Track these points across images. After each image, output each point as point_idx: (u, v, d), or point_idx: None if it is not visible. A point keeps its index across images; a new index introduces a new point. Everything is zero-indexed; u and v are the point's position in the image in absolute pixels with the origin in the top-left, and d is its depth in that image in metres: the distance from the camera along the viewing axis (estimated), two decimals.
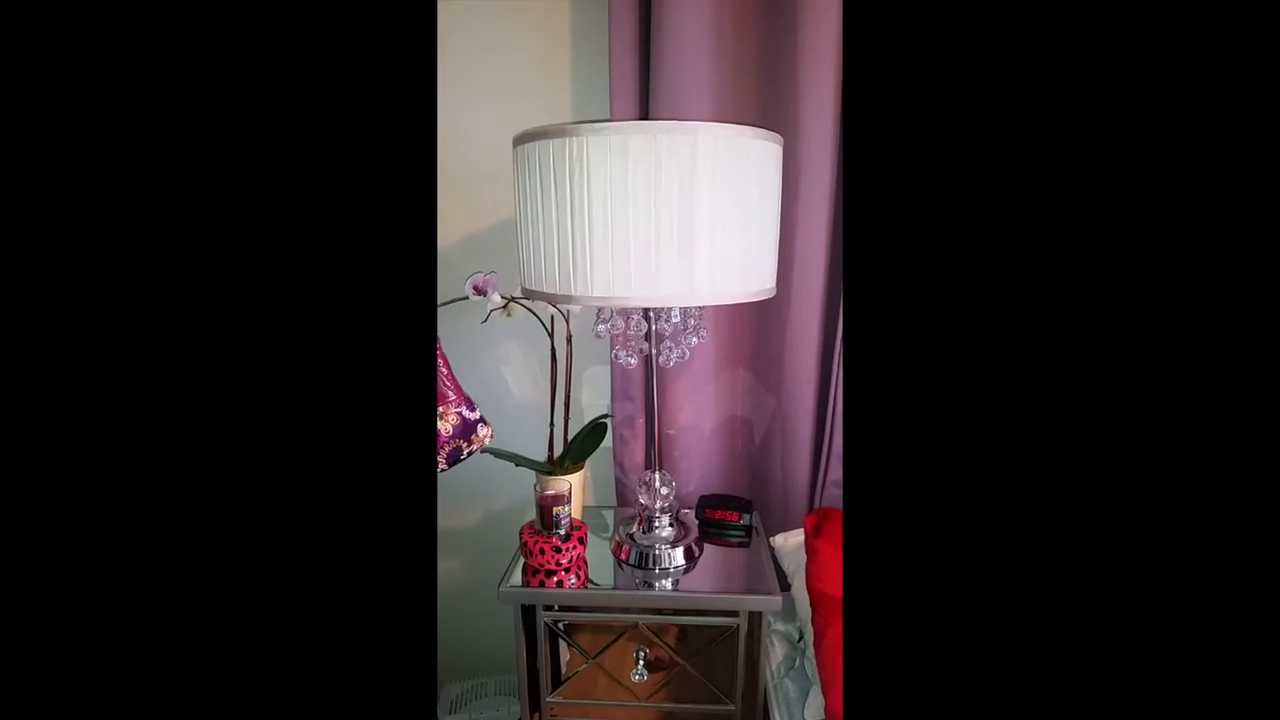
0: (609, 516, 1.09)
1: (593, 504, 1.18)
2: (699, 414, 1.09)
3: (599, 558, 0.93)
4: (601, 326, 0.84)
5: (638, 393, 1.07)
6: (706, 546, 0.95)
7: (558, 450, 1.01)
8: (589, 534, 0.94)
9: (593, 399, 1.15)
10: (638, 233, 0.68)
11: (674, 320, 0.86)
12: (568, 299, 0.72)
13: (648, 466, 0.92)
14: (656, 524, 0.92)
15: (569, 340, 1.00)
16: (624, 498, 1.13)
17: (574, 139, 0.67)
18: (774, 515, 1.10)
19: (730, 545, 0.96)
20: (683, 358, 0.87)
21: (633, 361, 0.87)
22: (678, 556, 0.89)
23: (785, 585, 0.96)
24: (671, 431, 1.09)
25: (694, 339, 0.87)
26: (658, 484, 0.91)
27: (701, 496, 1.04)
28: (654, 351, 0.87)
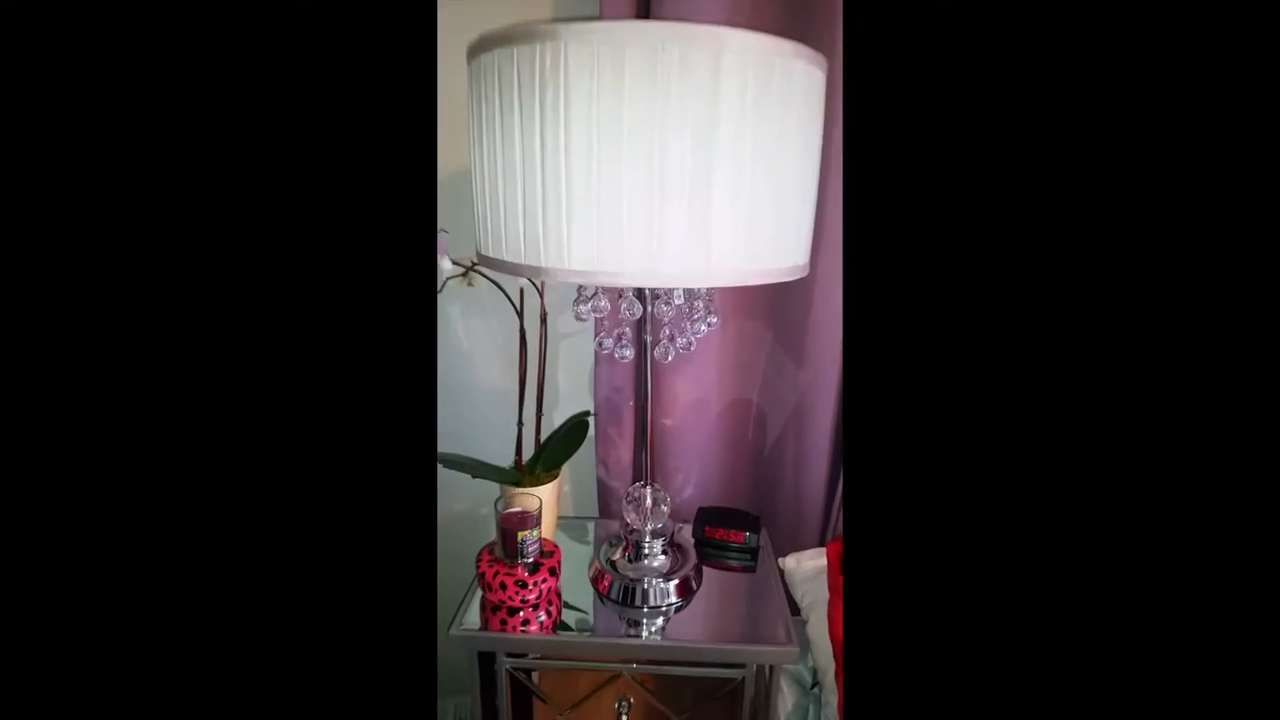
0: (589, 530, 0.92)
1: (570, 514, 1.01)
2: (699, 408, 0.92)
3: (575, 584, 0.77)
4: (582, 307, 0.65)
5: (626, 383, 0.89)
6: (706, 571, 0.79)
7: (528, 453, 0.83)
8: (564, 557, 0.77)
9: (571, 386, 0.97)
10: (634, 184, 0.48)
11: (676, 302, 0.67)
12: (535, 272, 0.53)
13: (637, 477, 0.75)
14: (646, 550, 0.75)
15: (543, 320, 0.82)
16: (607, 505, 0.96)
17: (548, 44, 0.47)
18: (783, 528, 0.94)
19: (733, 569, 0.81)
20: (687, 349, 0.68)
21: (627, 355, 0.69)
22: (670, 592, 0.73)
23: (795, 610, 0.81)
24: (668, 421, 0.91)
25: (701, 326, 0.68)
26: (649, 501, 0.74)
27: (700, 510, 0.87)
28: (649, 339, 0.68)
